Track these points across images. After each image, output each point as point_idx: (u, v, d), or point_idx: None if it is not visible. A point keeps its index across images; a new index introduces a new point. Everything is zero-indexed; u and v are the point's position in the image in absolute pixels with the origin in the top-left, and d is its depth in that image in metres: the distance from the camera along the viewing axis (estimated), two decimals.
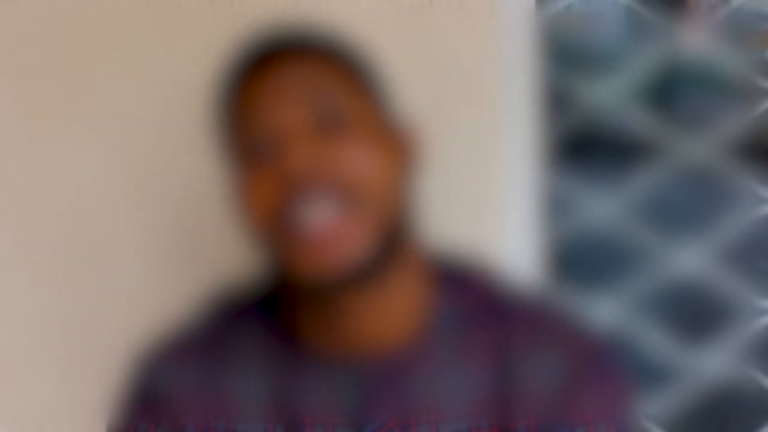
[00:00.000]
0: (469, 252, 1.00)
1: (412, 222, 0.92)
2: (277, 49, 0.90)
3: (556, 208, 1.45)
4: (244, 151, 0.88)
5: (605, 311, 1.56)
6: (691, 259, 1.63)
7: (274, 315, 0.95)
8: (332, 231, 0.84)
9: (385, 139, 0.89)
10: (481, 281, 0.97)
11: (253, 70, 0.89)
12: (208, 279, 1.12)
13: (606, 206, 1.58)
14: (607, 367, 0.94)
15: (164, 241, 1.29)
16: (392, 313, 0.91)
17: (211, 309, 0.98)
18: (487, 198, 1.27)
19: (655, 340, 1.61)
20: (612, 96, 1.61)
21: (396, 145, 0.90)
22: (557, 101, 1.51)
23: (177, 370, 0.95)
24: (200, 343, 0.96)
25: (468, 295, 0.95)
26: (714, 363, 1.66)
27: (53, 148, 1.28)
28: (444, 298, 0.94)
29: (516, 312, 0.95)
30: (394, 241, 0.88)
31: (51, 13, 1.26)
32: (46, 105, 1.28)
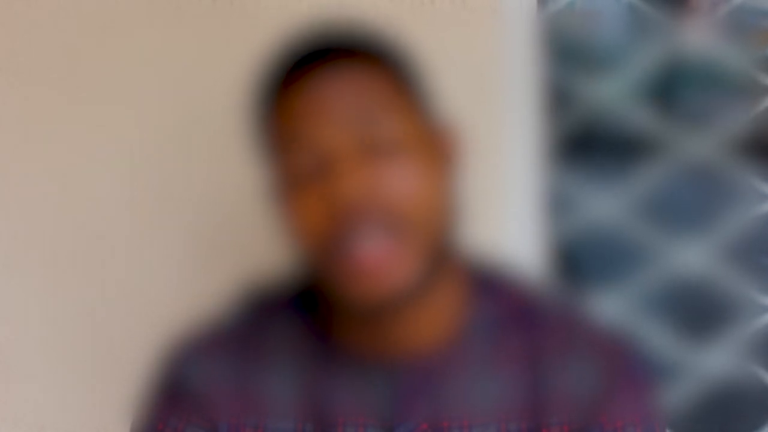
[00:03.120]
0: (500, 256, 1.00)
1: (456, 232, 0.91)
2: (320, 55, 0.86)
3: (558, 205, 1.45)
4: (288, 165, 0.85)
5: (608, 308, 1.56)
6: (694, 257, 1.63)
7: (309, 312, 0.94)
8: (383, 259, 0.83)
9: (432, 151, 0.87)
10: (512, 286, 0.97)
11: (297, 78, 0.86)
12: (226, 276, 1.12)
13: (609, 203, 1.58)
14: (637, 372, 0.94)
15: (173, 238, 1.29)
16: (431, 319, 0.91)
17: (243, 304, 0.97)
18: (490, 196, 1.27)
19: (658, 338, 1.61)
20: (614, 93, 1.61)
21: (441, 153, 0.89)
22: (559, 99, 1.51)
23: (208, 365, 0.94)
24: (232, 339, 0.95)
25: (500, 300, 0.95)
26: (717, 360, 1.66)
27: (60, 148, 1.28)
28: (477, 303, 0.94)
29: (547, 317, 0.95)
30: (440, 256, 0.87)
31: (50, 14, 1.26)
32: (49, 106, 1.28)
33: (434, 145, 0.89)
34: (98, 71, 1.27)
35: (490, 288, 0.95)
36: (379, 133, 0.84)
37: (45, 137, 1.28)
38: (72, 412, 1.31)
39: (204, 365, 0.94)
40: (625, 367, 0.94)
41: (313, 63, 0.86)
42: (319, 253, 0.85)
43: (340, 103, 0.84)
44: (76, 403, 1.31)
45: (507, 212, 1.29)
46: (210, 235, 1.29)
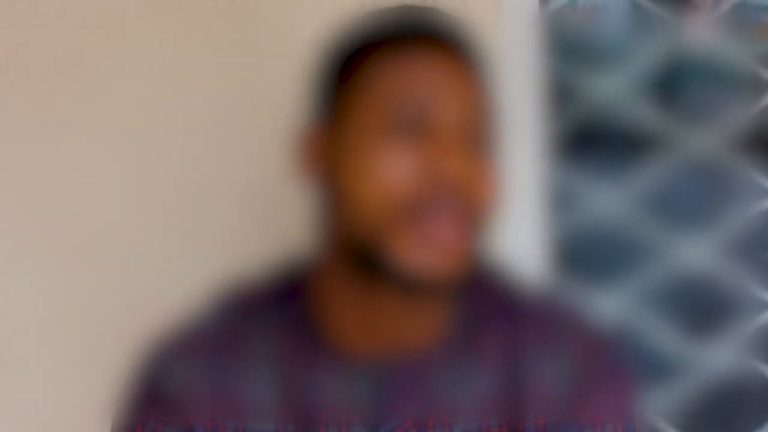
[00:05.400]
0: (501, 254, 1.00)
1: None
2: (427, 27, 0.88)
3: (561, 201, 1.45)
4: (383, 114, 0.85)
5: (610, 305, 1.56)
6: (696, 252, 1.63)
7: (295, 308, 0.94)
8: (456, 242, 0.84)
9: (493, 148, 0.89)
10: (493, 281, 0.97)
11: (408, 42, 0.87)
12: (215, 274, 1.12)
13: (611, 199, 1.58)
14: (617, 368, 0.94)
15: (176, 237, 1.29)
16: (428, 318, 0.91)
17: (223, 302, 0.97)
18: None
19: (661, 334, 1.61)
20: (616, 89, 1.61)
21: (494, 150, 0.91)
22: (562, 95, 1.51)
23: (186, 366, 0.93)
24: (210, 338, 0.94)
25: (481, 296, 0.95)
26: (720, 356, 1.66)
27: (60, 148, 1.28)
28: (461, 300, 0.93)
29: (527, 313, 0.95)
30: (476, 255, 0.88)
31: (50, 14, 1.26)
32: (49, 106, 1.28)
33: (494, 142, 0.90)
34: (99, 71, 1.27)
35: (473, 284, 0.94)
36: (480, 127, 0.86)
37: (45, 137, 1.28)
38: (74, 412, 1.31)
39: (182, 367, 0.93)
40: (606, 363, 0.94)
41: (428, 38, 0.87)
42: (394, 210, 0.84)
43: (459, 84, 0.86)
44: (79, 403, 1.31)
45: (510, 208, 1.29)
46: (212, 234, 1.29)
